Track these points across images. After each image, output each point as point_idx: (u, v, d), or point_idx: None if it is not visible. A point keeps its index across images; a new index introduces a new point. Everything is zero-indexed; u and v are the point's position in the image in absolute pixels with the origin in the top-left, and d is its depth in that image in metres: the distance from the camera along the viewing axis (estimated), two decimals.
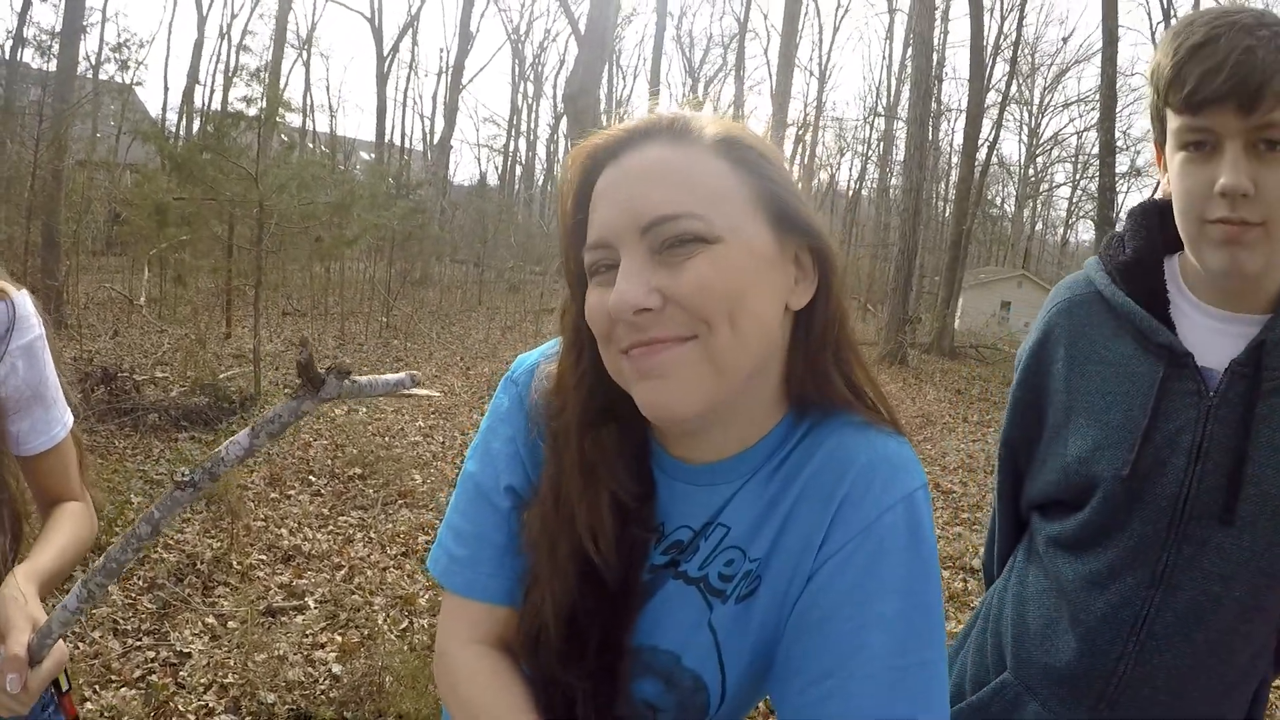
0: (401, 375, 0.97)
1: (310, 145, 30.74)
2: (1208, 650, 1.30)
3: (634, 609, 0.98)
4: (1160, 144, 1.31)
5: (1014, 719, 1.43)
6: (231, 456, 0.99)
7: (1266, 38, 1.14)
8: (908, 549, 0.89)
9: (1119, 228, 1.46)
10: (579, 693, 0.97)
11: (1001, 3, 32.66)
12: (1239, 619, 1.28)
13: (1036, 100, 49.93)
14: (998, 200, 59.72)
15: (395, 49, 37.11)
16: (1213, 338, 1.29)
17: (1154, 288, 1.35)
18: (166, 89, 55.98)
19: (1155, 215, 1.40)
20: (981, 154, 24.35)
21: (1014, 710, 1.43)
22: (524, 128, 43.99)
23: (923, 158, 17.78)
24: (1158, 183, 1.40)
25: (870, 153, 43.30)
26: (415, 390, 0.98)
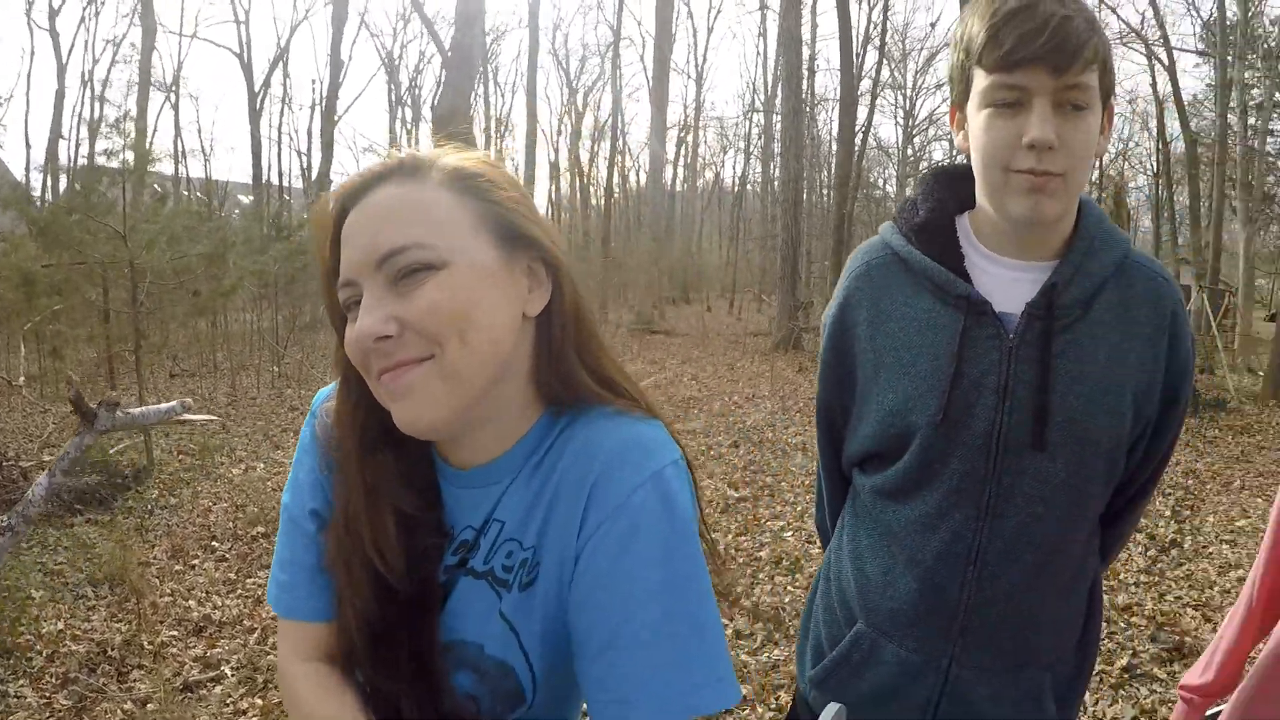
0: (173, 403, 1.00)
1: (185, 193, 29.88)
2: (1039, 566, 1.41)
3: (434, 610, 1.07)
4: (959, 104, 1.41)
5: (875, 663, 1.50)
6: (38, 497, 0.97)
7: (1076, 10, 1.26)
8: (662, 522, 0.96)
9: (909, 192, 1.55)
10: (400, 695, 1.05)
11: None
12: (1062, 534, 1.41)
13: (910, 84, 51.14)
14: (880, 182, 61.15)
15: (267, 84, 36.25)
16: (1007, 286, 1.40)
17: (948, 245, 1.45)
18: (29, 146, 53.93)
19: (945, 179, 1.53)
20: (859, 140, 24.88)
21: (873, 655, 1.50)
22: (404, 154, 43.50)
23: (799, 149, 18.18)
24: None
25: (752, 148, 43.81)
26: (189, 416, 1.00)
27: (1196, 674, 1.72)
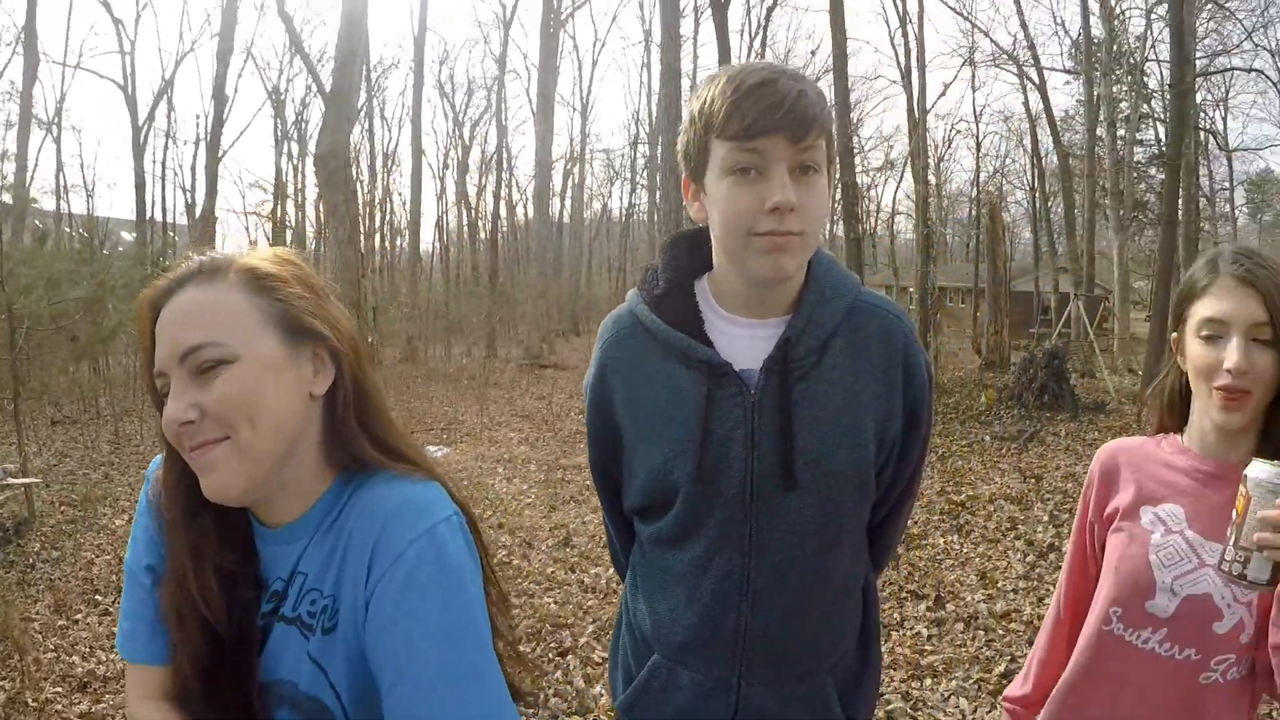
0: None
1: (67, 230, 28.87)
2: (805, 590, 1.55)
3: (254, 653, 1.20)
4: (694, 177, 1.52)
5: (673, 688, 1.63)
6: None
7: (809, 86, 1.41)
8: (437, 573, 1.12)
9: (655, 260, 1.68)
10: None
11: (749, 24, 33.87)
12: (822, 559, 1.55)
13: None
14: None
15: (151, 117, 35.24)
16: (746, 344, 1.52)
17: (688, 312, 1.56)
18: None
19: (684, 245, 1.65)
20: None
21: (671, 682, 1.63)
22: (291, 190, 42.55)
23: (678, 181, 18.14)
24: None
25: (638, 179, 44.20)
26: (10, 481, 1.09)
27: (1018, 685, 1.91)
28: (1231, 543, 1.38)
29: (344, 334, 1.26)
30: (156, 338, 1.17)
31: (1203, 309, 1.56)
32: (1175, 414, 1.72)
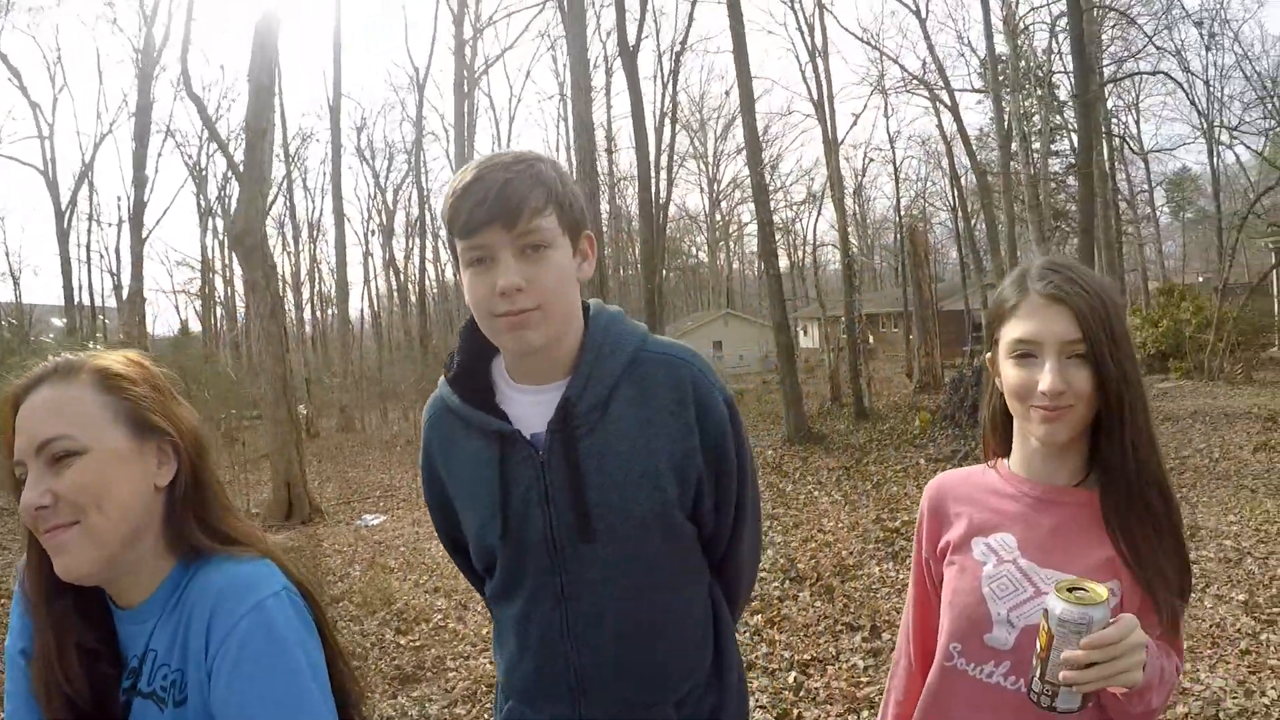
0: None
1: None
2: (626, 632, 1.64)
3: None
4: (458, 268, 1.61)
5: None
6: None
7: (522, 170, 1.51)
8: (267, 645, 1.24)
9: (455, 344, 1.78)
10: None
11: (661, 70, 34.17)
12: (638, 602, 1.63)
13: (711, 151, 52.74)
14: (693, 250, 62.73)
15: (74, 201, 34.90)
16: (534, 410, 1.63)
17: (482, 386, 1.69)
18: None
19: (475, 330, 1.70)
20: (660, 213, 25.45)
21: None
22: (218, 266, 42.09)
23: (598, 230, 18.43)
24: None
25: None
26: None
27: None
28: (1038, 675, 1.34)
29: (185, 430, 1.40)
30: (16, 431, 1.29)
31: (1013, 330, 1.52)
32: (999, 437, 1.69)
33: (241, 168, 11.74)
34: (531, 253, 1.51)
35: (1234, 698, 4.45)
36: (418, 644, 6.47)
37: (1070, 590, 1.31)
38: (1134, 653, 1.28)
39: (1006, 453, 1.68)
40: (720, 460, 1.67)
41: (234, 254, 11.53)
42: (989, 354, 1.63)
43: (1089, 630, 1.27)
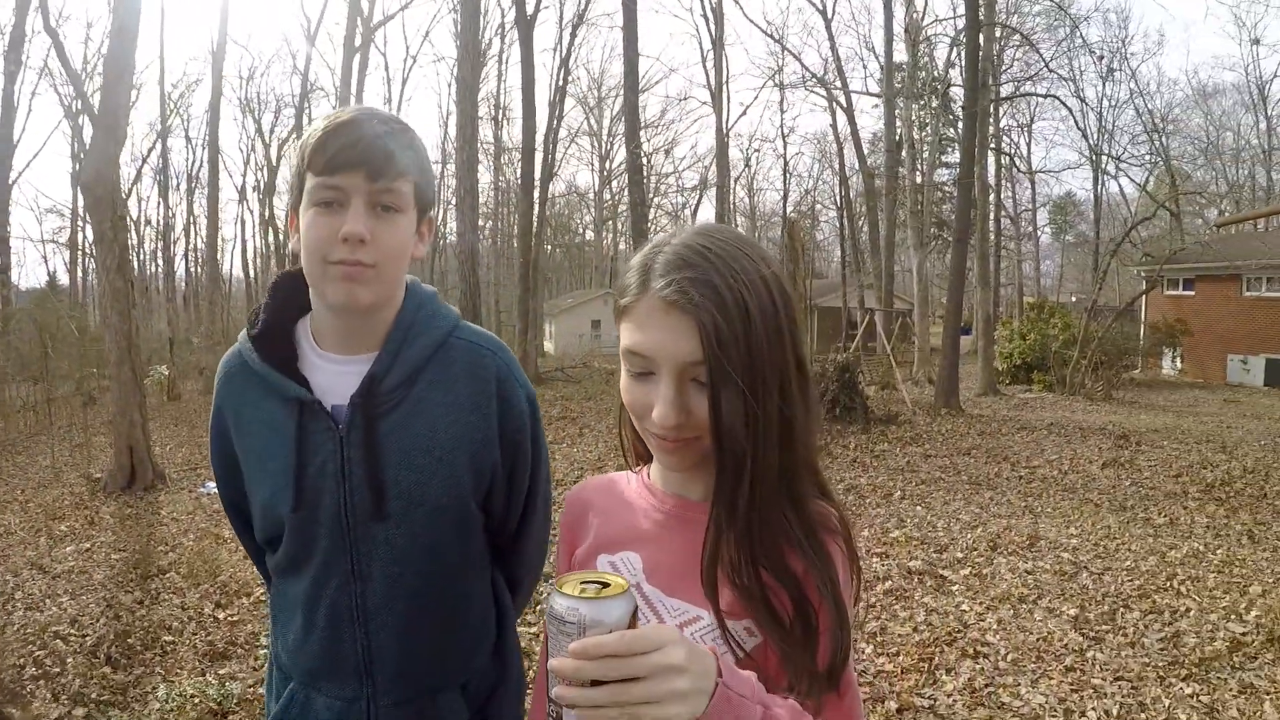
0: None
1: None
2: (418, 612, 1.61)
3: None
4: (294, 209, 1.54)
5: (309, 713, 1.66)
6: None
7: (398, 130, 1.49)
8: None
9: (261, 299, 1.69)
10: None
11: (561, 43, 33.68)
12: (430, 584, 1.61)
13: (605, 130, 52.51)
14: (578, 228, 62.64)
15: None
16: (338, 380, 1.57)
17: (285, 349, 1.61)
18: None
19: (286, 286, 1.66)
20: (555, 186, 25.21)
21: (307, 707, 1.66)
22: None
23: (474, 200, 18.10)
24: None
25: (448, 202, 43.66)
26: None
27: None
28: (548, 693, 0.96)
29: None
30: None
31: (629, 335, 1.19)
32: (636, 442, 1.38)
33: (97, 111, 11.07)
34: (383, 211, 1.47)
35: (1053, 716, 4.43)
36: (235, 619, 6.18)
37: (584, 583, 0.96)
38: (662, 677, 0.89)
39: (650, 458, 1.37)
40: (516, 453, 1.69)
41: (83, 202, 10.84)
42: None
43: (582, 631, 0.91)
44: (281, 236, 37.80)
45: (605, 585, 0.96)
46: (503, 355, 1.68)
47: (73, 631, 5.82)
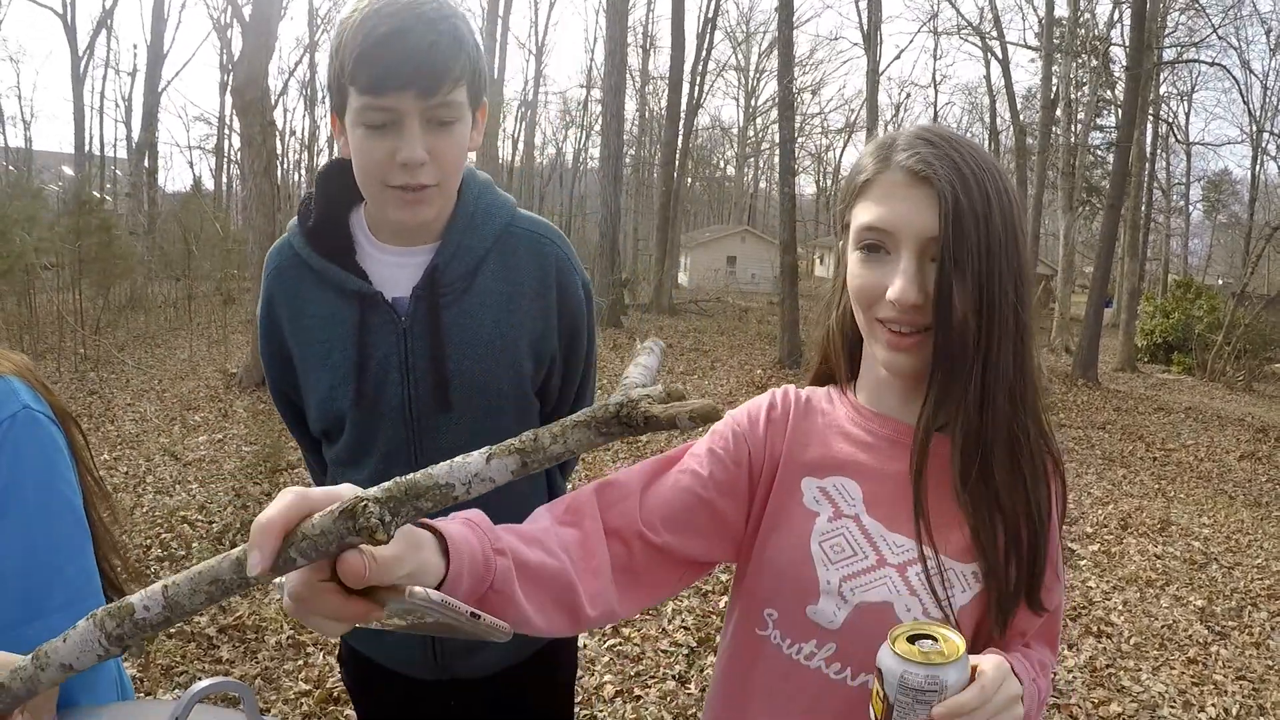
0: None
1: (3, 163, 27.94)
2: (480, 504, 1.55)
3: None
4: (338, 112, 1.46)
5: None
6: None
7: (446, 31, 1.35)
8: (9, 459, 1.17)
9: (310, 190, 1.65)
10: None
11: None
12: None
13: (753, 66, 51.69)
14: (719, 163, 62.00)
15: (90, 48, 34.08)
16: (397, 272, 1.55)
17: (342, 241, 1.58)
18: None
19: (335, 176, 1.59)
20: (686, 119, 24.96)
21: None
22: (236, 124, 41.29)
23: (619, 125, 18.05)
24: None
25: (593, 125, 43.61)
26: None
27: None
28: None
29: None
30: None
31: (864, 213, 1.12)
32: (841, 355, 1.27)
33: (248, 16, 11.29)
34: (439, 126, 1.40)
35: (1171, 707, 4.27)
36: None
37: (912, 641, 0.94)
38: (1007, 711, 0.95)
39: (847, 376, 1.28)
40: (573, 343, 1.69)
41: (233, 107, 11.10)
42: (841, 242, 1.21)
43: (942, 696, 0.91)
44: (325, 141, 38.56)
45: (934, 639, 0.95)
46: (561, 244, 1.65)
47: (200, 517, 6.04)
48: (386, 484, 0.66)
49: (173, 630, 4.33)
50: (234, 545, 4.48)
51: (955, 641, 0.94)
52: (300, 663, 4.19)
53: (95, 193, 23.44)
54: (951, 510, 1.11)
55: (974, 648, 1.07)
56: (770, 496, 1.21)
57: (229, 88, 10.71)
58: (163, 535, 5.65)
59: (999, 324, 1.06)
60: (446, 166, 1.43)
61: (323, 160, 47.57)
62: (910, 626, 0.96)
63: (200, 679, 1.10)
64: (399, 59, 1.32)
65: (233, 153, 41.08)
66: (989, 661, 0.95)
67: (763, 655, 1.20)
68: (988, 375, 1.07)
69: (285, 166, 46.77)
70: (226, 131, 40.38)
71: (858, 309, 1.15)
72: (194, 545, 5.47)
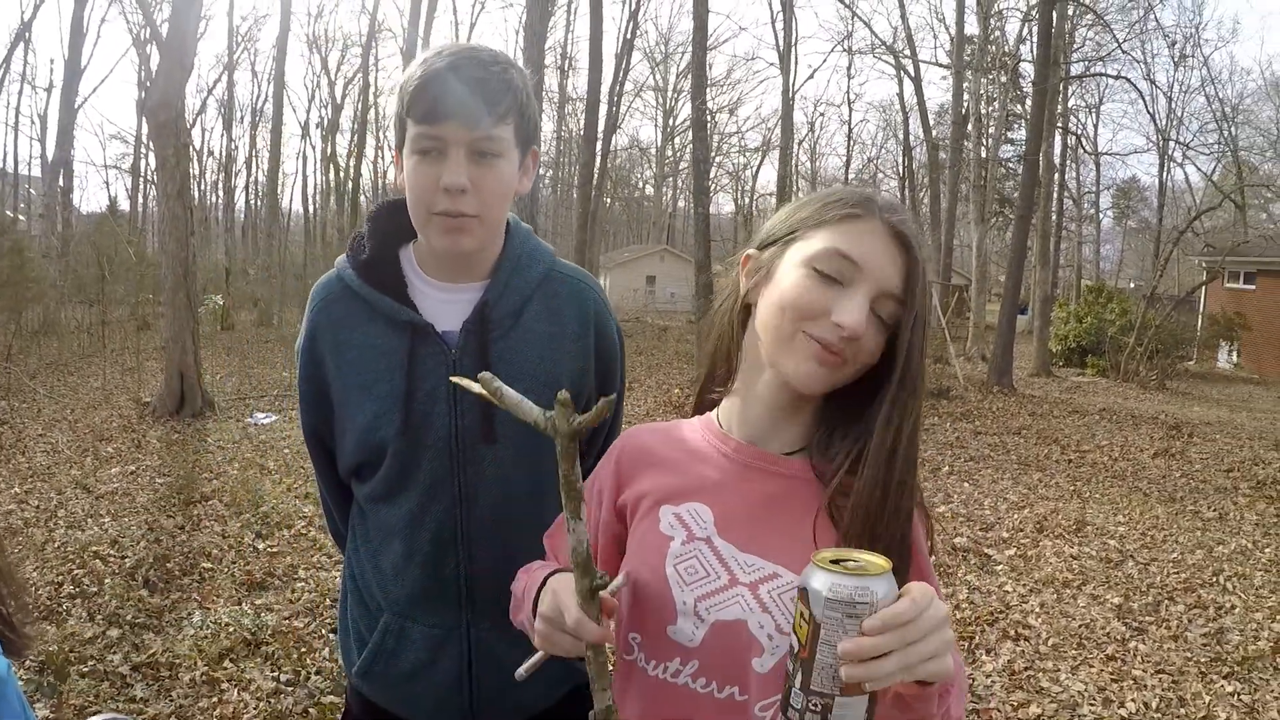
0: None
1: None
2: (519, 535, 1.59)
3: None
4: (399, 148, 1.55)
5: (406, 644, 1.69)
6: None
7: (497, 72, 1.48)
8: None
9: (363, 227, 1.72)
10: None
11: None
12: (532, 507, 1.61)
13: (671, 86, 52.05)
14: (638, 183, 62.42)
15: (7, 61, 32.97)
16: (447, 308, 1.62)
17: (393, 276, 1.64)
18: None
19: (388, 214, 1.69)
20: (618, 140, 25.04)
21: (403, 638, 1.69)
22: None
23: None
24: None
25: None
26: None
27: None
28: (798, 685, 0.94)
29: None
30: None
31: (838, 239, 1.17)
32: (734, 359, 1.31)
33: (164, 37, 11.08)
34: (482, 159, 1.49)
35: (1091, 705, 4.35)
36: (275, 550, 6.22)
37: (835, 561, 0.94)
38: (939, 630, 0.92)
39: (728, 377, 1.33)
40: (606, 383, 1.76)
41: (147, 128, 10.88)
42: (753, 250, 1.28)
43: (873, 609, 0.90)
44: (386, 172, 38.08)
45: (856, 560, 0.95)
46: (599, 290, 1.76)
47: (112, 552, 5.88)
48: None
49: (85, 669, 4.23)
50: (147, 581, 4.40)
51: (880, 561, 0.95)
52: (215, 699, 4.09)
53: (9, 213, 22.81)
54: (806, 528, 1.17)
55: None
56: (632, 529, 1.30)
57: (144, 108, 10.48)
58: (75, 571, 5.48)
59: (920, 381, 1.17)
60: (487, 198, 1.51)
61: (240, 181, 46.87)
62: (833, 552, 0.97)
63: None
64: (448, 91, 1.45)
65: (149, 173, 40.07)
66: (915, 584, 0.95)
67: (633, 678, 1.25)
68: (917, 416, 1.17)
69: (202, 187, 45.95)
70: (143, 151, 39.49)
71: (785, 318, 1.18)
72: (106, 581, 5.32)
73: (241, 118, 43.20)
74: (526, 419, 0.98)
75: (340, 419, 1.69)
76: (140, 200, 42.51)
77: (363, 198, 38.86)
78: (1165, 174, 37.06)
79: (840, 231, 1.18)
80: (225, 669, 4.35)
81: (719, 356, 1.34)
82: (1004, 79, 29.36)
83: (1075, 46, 28.80)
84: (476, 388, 1.05)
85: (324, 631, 4.83)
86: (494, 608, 1.61)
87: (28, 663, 4.17)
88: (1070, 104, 32.67)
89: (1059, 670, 4.70)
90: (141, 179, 41.18)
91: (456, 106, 1.45)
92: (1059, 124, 27.27)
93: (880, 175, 50.61)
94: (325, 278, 1.72)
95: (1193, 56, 34.79)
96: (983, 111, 29.22)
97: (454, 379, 1.17)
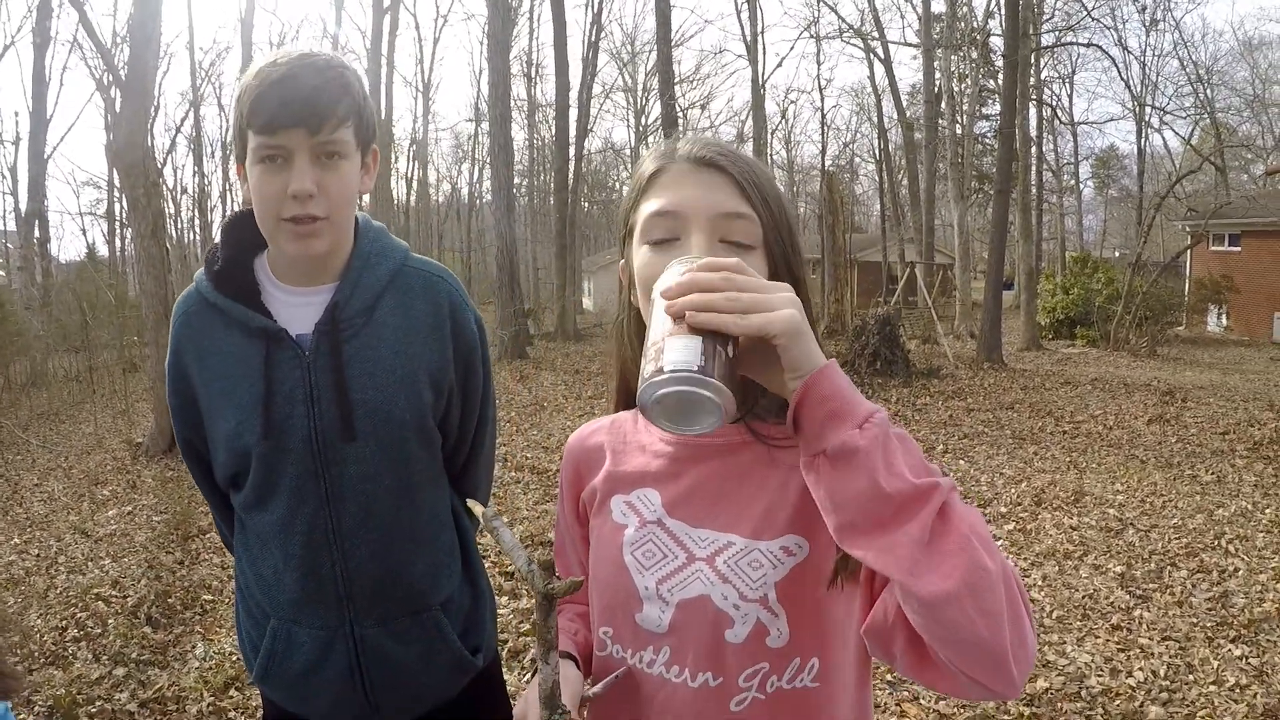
0: None
1: None
2: (390, 530, 1.68)
3: None
4: (240, 160, 1.58)
5: (294, 647, 1.72)
6: None
7: (333, 77, 1.51)
8: None
9: (217, 239, 1.75)
10: None
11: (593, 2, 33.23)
12: (399, 502, 1.69)
13: (640, 85, 52.03)
14: (615, 185, 62.38)
15: None
16: (300, 311, 1.65)
17: (247, 284, 1.67)
18: None
19: (240, 224, 1.69)
20: (591, 143, 25.05)
21: (291, 641, 1.72)
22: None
23: (509, 156, 18.04)
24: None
25: (483, 158, 43.35)
26: None
27: None
28: (650, 359, 0.91)
29: None
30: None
31: (653, 202, 1.14)
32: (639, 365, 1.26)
33: (124, 79, 11.02)
34: (326, 160, 1.52)
35: (1099, 675, 4.34)
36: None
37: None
38: (779, 289, 0.92)
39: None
40: (469, 375, 1.78)
41: (115, 170, 10.85)
42: (622, 261, 1.27)
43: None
44: (232, 187, 38.03)
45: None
46: (453, 282, 1.78)
47: (114, 593, 5.85)
48: None
49: (94, 710, 4.22)
50: (150, 618, 4.36)
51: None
52: None
53: None
54: (753, 491, 1.15)
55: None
56: (591, 525, 1.32)
57: (110, 151, 10.46)
58: (78, 615, 5.45)
59: (808, 306, 1.02)
60: (334, 199, 1.54)
61: (216, 216, 46.77)
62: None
63: None
64: (289, 99, 1.46)
65: (124, 215, 40.01)
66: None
67: (610, 671, 1.24)
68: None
69: (179, 225, 45.77)
70: (116, 194, 39.36)
71: (645, 299, 1.13)
72: (110, 622, 5.29)
73: (212, 152, 42.87)
74: (515, 564, 0.97)
75: (209, 429, 1.70)
76: (118, 244, 42.34)
77: None
78: (1143, 140, 37.21)
79: (653, 194, 1.16)
80: (231, 698, 4.35)
81: (628, 372, 1.33)
82: (974, 55, 29.34)
83: (1045, 17, 28.81)
84: (478, 510, 1.07)
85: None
86: (374, 604, 1.69)
87: (36, 708, 4.17)
88: (1043, 75, 32.68)
89: (1064, 642, 4.70)
90: (117, 222, 41.02)
91: (298, 113, 1.47)
92: (1033, 96, 27.30)
93: (857, 159, 50.65)
94: (185, 292, 1.74)
95: (1164, 20, 34.93)
96: (955, 89, 29.33)
97: (470, 503, 1.19)
